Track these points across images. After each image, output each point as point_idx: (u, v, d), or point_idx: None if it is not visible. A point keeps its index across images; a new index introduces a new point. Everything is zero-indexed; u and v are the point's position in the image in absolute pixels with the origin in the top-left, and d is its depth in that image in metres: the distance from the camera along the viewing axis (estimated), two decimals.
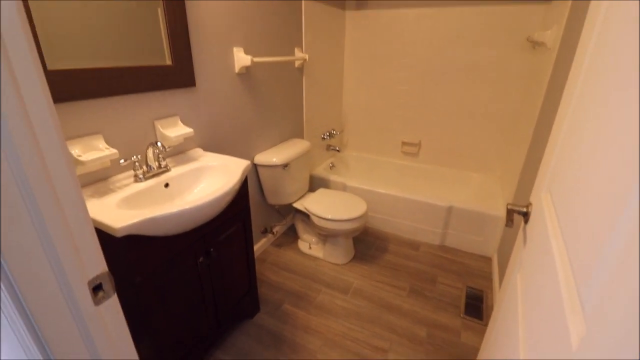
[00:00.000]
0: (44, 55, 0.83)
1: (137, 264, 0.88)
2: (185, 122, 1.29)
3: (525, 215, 0.72)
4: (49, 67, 0.84)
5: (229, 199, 1.08)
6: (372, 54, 2.47)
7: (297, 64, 1.98)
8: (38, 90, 0.40)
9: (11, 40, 0.36)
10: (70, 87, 0.89)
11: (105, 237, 0.83)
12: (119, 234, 0.80)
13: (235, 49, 1.47)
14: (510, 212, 0.74)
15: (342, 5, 2.37)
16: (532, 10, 1.90)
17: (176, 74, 1.19)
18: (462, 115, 2.31)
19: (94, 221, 0.83)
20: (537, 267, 0.55)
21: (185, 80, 1.23)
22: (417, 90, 2.40)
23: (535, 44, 1.87)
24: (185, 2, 1.18)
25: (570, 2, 1.35)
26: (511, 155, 2.09)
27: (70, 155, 0.46)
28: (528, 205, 0.73)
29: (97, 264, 0.52)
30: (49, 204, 0.43)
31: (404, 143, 2.59)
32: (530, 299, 0.55)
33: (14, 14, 0.36)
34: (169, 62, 1.16)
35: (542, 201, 0.62)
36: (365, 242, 2.11)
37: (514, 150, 2.04)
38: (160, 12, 1.10)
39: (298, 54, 1.95)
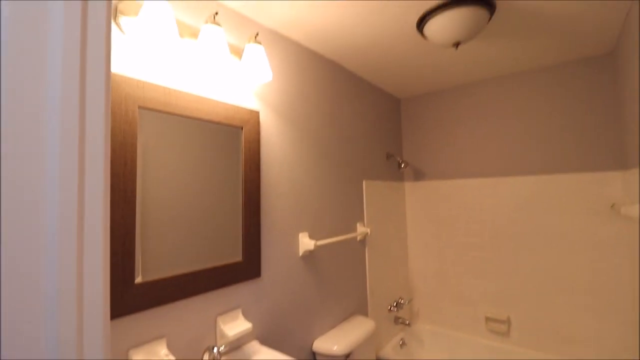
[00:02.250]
0: (135, 270, 0.96)
1: None
2: (247, 313, 1.28)
3: None
4: (136, 280, 0.96)
5: None
6: (436, 220, 2.46)
7: (359, 237, 2.03)
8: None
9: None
10: (148, 297, 0.98)
11: None
12: None
13: (300, 235, 1.58)
14: None
15: (400, 178, 2.57)
16: (607, 177, 1.81)
17: (244, 268, 1.27)
18: (559, 290, 1.96)
19: None
20: None
21: (252, 273, 1.30)
22: (495, 258, 2.19)
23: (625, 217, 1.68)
24: (261, 203, 1.38)
25: None
26: None
27: None
28: None
29: None
30: None
31: (488, 319, 2.20)
32: None
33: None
34: (239, 258, 1.26)
35: None
36: None
37: None
38: (241, 214, 1.28)
39: (360, 228, 2.02)
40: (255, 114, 1.34)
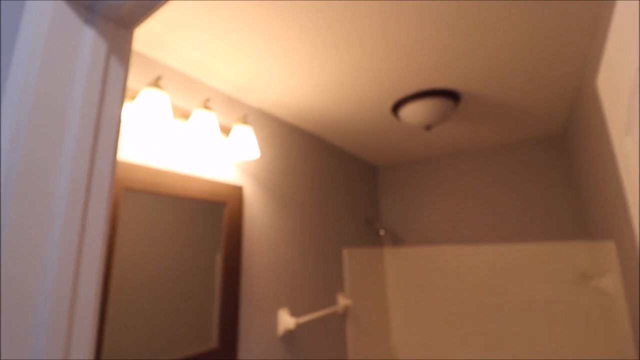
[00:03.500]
0: None
1: None
2: None
3: None
4: None
5: None
6: (417, 287, 2.43)
7: (340, 311, 1.95)
8: None
9: None
10: None
11: None
12: None
13: (280, 312, 1.50)
14: None
15: (380, 244, 2.59)
16: (575, 246, 1.91)
17: (219, 357, 1.16)
18: None
19: None
20: None
21: None
22: (477, 328, 2.15)
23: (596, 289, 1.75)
24: (241, 280, 1.32)
25: (614, 245, 1.32)
26: None
27: None
28: None
29: None
30: None
31: None
32: None
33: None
34: (214, 345, 1.16)
35: None
36: None
37: None
38: (219, 295, 1.21)
39: (341, 300, 1.96)
40: (239, 189, 1.36)
